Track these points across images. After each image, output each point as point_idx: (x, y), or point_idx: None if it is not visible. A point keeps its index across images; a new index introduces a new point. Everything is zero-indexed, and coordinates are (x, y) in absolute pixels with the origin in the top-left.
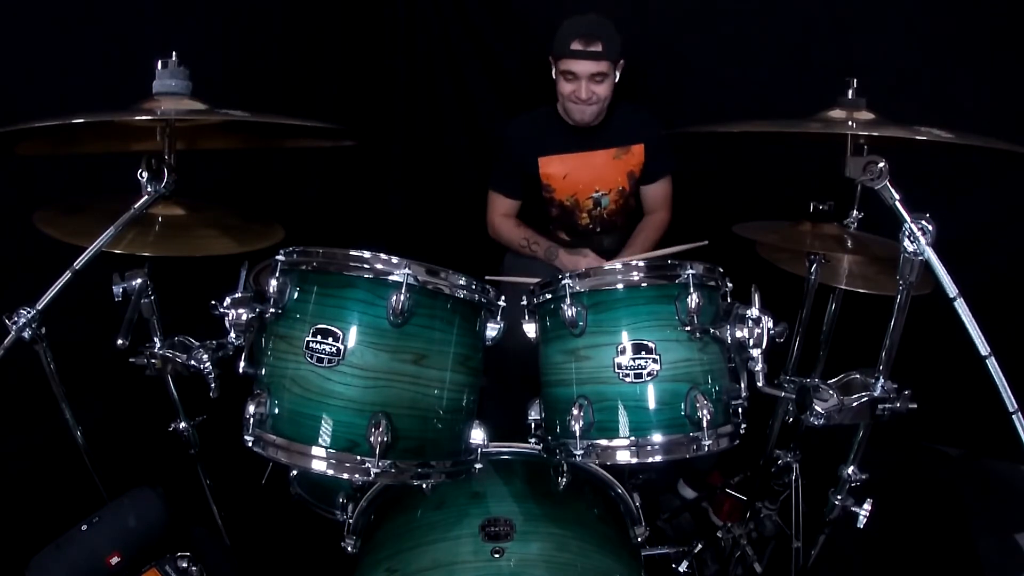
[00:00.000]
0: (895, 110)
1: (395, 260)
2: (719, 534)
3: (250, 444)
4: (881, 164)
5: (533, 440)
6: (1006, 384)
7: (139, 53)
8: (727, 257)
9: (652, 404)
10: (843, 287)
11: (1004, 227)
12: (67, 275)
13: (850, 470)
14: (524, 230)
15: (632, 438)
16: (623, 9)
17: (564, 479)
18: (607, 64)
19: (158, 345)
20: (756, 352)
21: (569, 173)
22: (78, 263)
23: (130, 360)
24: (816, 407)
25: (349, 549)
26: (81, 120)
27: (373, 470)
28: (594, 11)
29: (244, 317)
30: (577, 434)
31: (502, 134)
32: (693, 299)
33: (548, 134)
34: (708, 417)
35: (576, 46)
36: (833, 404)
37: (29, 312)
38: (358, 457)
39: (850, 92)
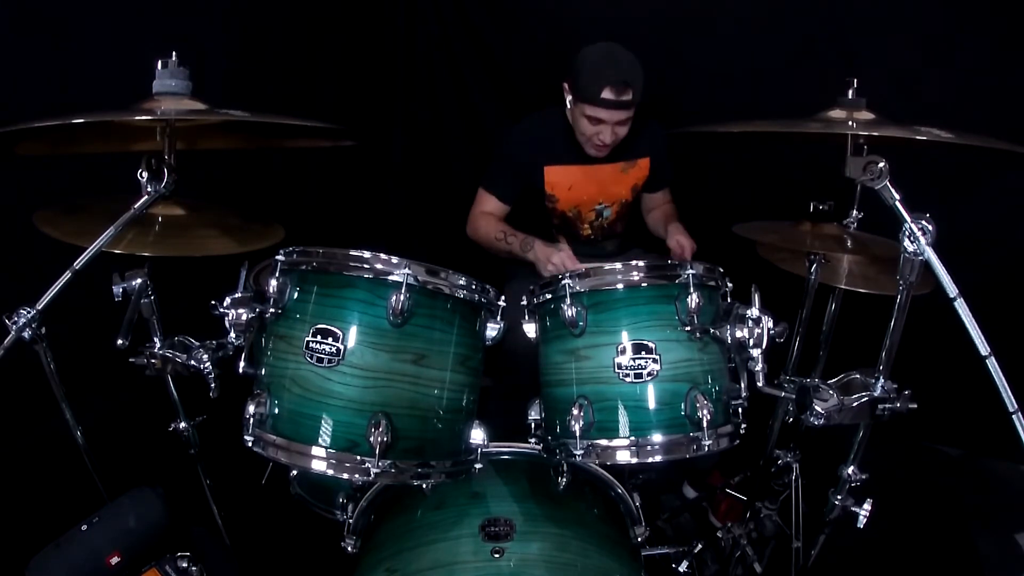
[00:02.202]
0: (895, 110)
1: (395, 260)
2: (719, 534)
3: (250, 444)
4: (881, 164)
5: (533, 440)
6: (1006, 384)
7: (139, 53)
8: (727, 257)
9: (652, 404)
10: (843, 287)
11: (1004, 227)
12: (67, 275)
13: (850, 470)
14: (501, 224)
15: (632, 438)
16: (623, 9)
17: (564, 479)
18: (634, 109)
19: (158, 345)
20: (756, 352)
21: (574, 185)
22: (78, 263)
23: (130, 360)
24: (816, 407)
25: (349, 549)
26: (81, 120)
27: (373, 470)
28: (596, 12)
29: (244, 317)
30: (577, 434)
31: (507, 136)
32: (693, 299)
33: (556, 142)
34: (708, 417)
35: (608, 95)
36: (833, 404)
37: (29, 312)
38: (358, 457)
39: (850, 92)
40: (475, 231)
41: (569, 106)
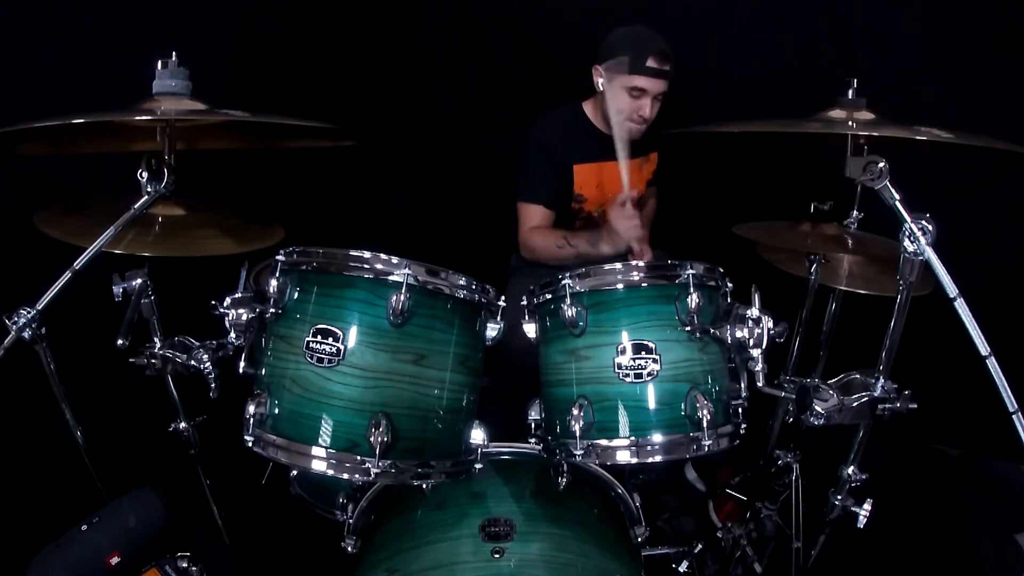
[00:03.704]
0: (895, 110)
1: (395, 260)
2: (719, 534)
3: (250, 444)
4: (881, 164)
5: (533, 440)
6: (1006, 384)
7: (139, 53)
8: (727, 257)
9: (652, 404)
10: (843, 287)
11: (1004, 227)
12: (67, 275)
13: (850, 470)
14: (556, 232)
15: (632, 438)
16: (624, 10)
17: (564, 479)
18: (668, 85)
19: (158, 345)
20: (756, 352)
21: (602, 182)
22: (78, 263)
23: (130, 360)
24: (816, 407)
25: (349, 549)
26: (81, 120)
27: (373, 470)
28: (596, 13)
29: (244, 317)
30: (577, 434)
31: (531, 140)
32: (693, 299)
33: (581, 140)
34: (708, 417)
35: (652, 63)
36: (833, 404)
37: (29, 312)
38: (358, 457)
39: (850, 92)
40: (532, 250)
41: (601, 88)
